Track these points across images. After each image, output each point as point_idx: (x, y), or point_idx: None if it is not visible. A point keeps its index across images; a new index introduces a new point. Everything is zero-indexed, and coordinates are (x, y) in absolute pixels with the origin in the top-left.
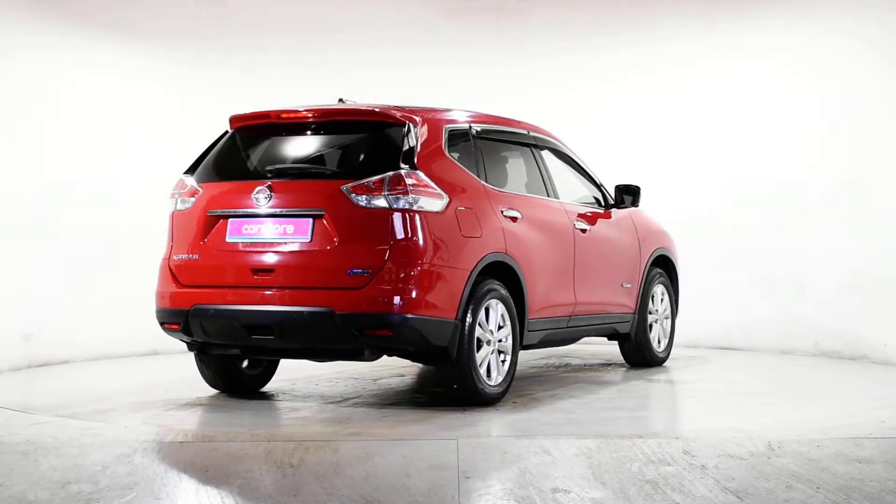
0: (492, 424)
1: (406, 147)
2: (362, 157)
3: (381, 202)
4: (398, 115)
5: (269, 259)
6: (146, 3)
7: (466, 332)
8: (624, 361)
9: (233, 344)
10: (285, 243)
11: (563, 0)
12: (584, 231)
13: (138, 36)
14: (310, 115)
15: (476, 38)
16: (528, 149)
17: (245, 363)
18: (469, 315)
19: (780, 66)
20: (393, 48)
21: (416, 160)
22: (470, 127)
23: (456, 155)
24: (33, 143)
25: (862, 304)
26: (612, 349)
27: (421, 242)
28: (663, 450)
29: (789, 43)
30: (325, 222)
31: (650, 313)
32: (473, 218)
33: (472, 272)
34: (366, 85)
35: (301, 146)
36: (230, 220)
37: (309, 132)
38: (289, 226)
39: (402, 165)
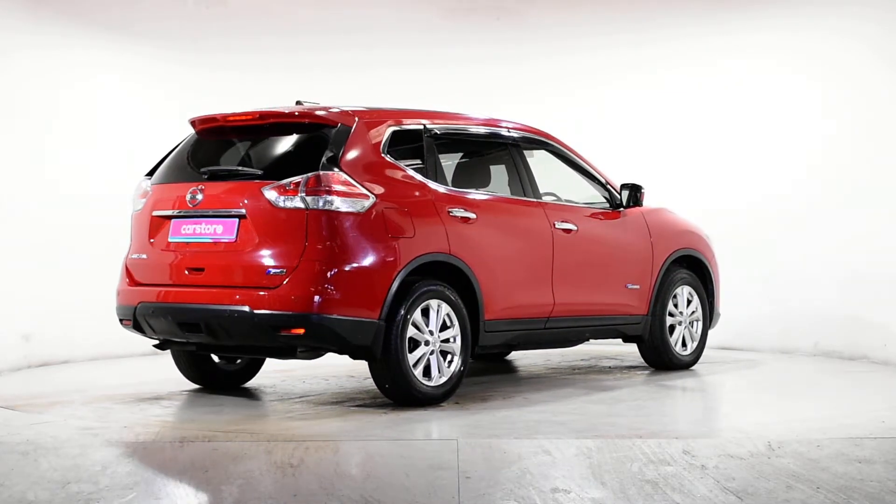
0: (398, 427)
1: (331, 147)
2: (289, 158)
3: (297, 203)
4: (330, 116)
5: (201, 258)
6: (146, 3)
7: (396, 332)
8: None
9: (180, 340)
10: (214, 243)
11: (563, 0)
12: (567, 231)
13: (138, 36)
14: (251, 118)
15: (476, 38)
16: (507, 149)
17: (226, 360)
18: (401, 314)
19: (780, 66)
20: (393, 48)
21: (340, 160)
22: (425, 127)
23: (403, 155)
24: (33, 144)
25: (862, 304)
26: None
27: (337, 242)
28: (663, 450)
29: (789, 43)
30: (248, 223)
31: (671, 315)
32: (405, 218)
33: (399, 272)
34: (366, 85)
35: (239, 148)
36: (172, 220)
37: (251, 134)
38: (218, 226)
39: (325, 166)
